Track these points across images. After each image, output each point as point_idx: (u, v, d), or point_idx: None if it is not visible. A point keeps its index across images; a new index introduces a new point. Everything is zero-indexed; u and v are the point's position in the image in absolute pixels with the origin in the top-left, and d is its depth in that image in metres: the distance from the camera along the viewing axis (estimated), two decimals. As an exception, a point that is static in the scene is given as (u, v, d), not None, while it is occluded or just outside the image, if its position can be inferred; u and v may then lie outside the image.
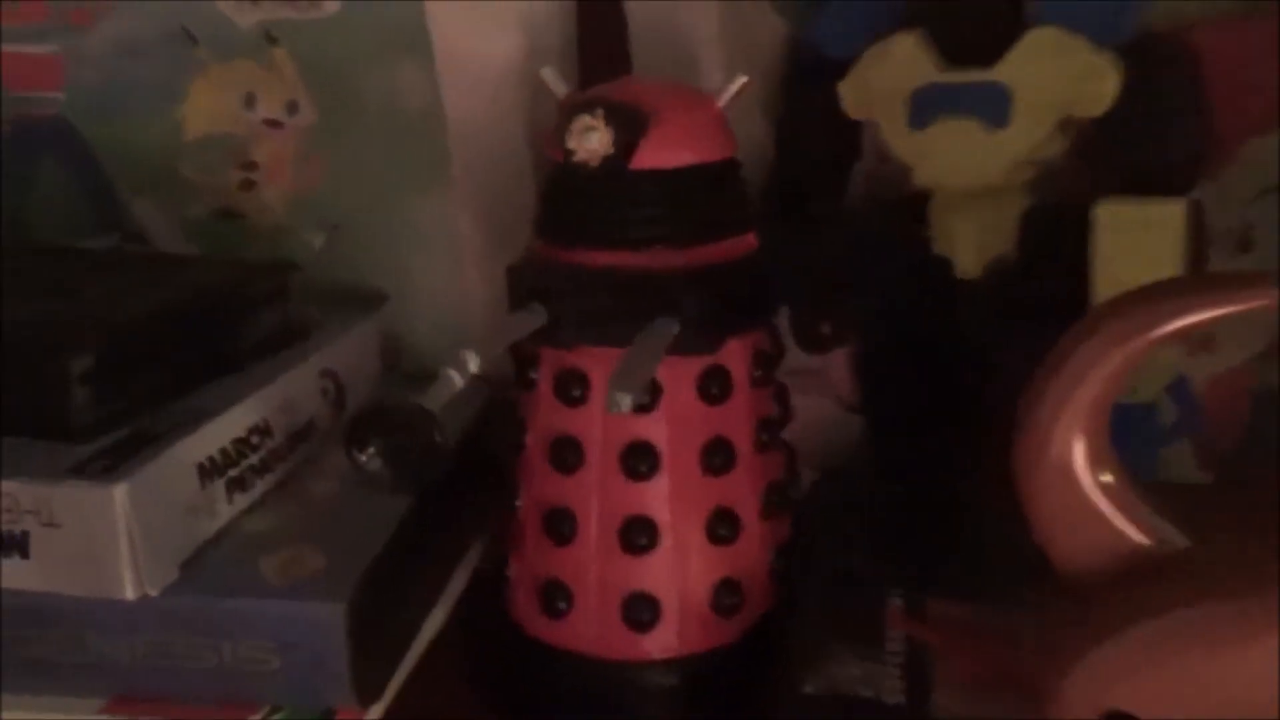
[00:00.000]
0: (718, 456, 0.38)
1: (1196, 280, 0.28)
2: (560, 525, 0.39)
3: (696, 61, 0.46)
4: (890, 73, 0.39)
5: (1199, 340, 0.46)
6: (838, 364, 0.47)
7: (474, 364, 0.33)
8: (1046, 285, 0.39)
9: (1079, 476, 0.29)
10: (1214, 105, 0.41)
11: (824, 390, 0.48)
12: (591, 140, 0.34)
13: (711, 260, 0.38)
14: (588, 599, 0.39)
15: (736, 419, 0.39)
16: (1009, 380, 0.41)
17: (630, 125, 0.34)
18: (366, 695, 0.35)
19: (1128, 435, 0.38)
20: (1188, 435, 0.40)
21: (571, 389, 0.38)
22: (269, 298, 0.43)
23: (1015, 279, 0.40)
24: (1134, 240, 0.36)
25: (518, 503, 0.40)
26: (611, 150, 0.34)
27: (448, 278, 0.50)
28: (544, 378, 0.39)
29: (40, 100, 0.51)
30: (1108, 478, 0.29)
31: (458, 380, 0.33)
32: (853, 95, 0.41)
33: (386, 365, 0.49)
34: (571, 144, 0.34)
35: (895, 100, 0.39)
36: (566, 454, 0.38)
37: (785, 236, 0.44)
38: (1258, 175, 0.43)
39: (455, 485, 0.41)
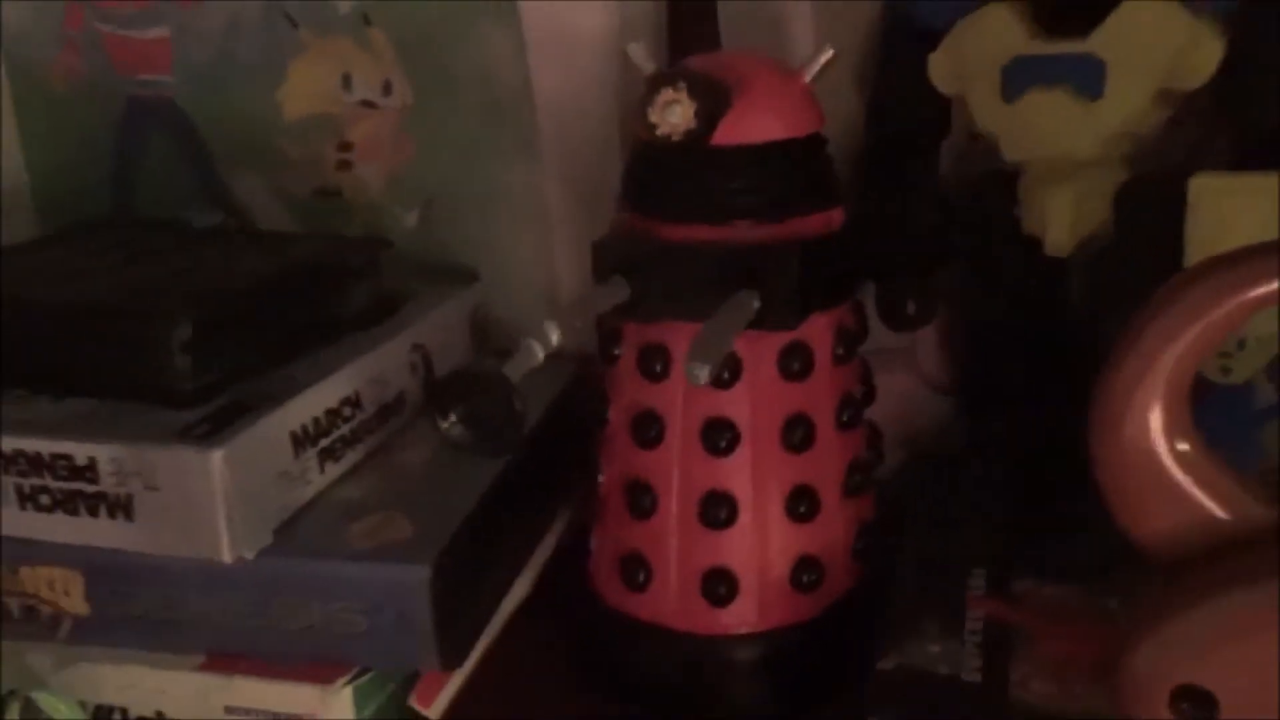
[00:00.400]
0: (798, 433, 0.38)
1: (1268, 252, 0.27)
2: (641, 499, 0.39)
3: (788, 36, 0.46)
4: (983, 44, 0.38)
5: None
6: (926, 343, 0.46)
7: (556, 335, 0.34)
8: (1143, 263, 0.37)
9: (1155, 447, 0.28)
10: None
11: (911, 369, 0.48)
12: (674, 114, 0.34)
13: (795, 235, 0.37)
14: (667, 572, 0.39)
15: (817, 396, 0.39)
16: (1105, 360, 0.40)
17: (713, 99, 0.34)
18: (450, 659, 0.36)
19: (1223, 418, 0.38)
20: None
21: (654, 363, 0.38)
22: (362, 273, 0.44)
23: (1110, 256, 0.39)
24: (1228, 213, 0.35)
25: (601, 476, 0.41)
26: (694, 124, 0.34)
27: (537, 252, 0.51)
28: (627, 352, 0.40)
29: (151, 83, 0.53)
30: (1185, 447, 0.28)
31: (539, 351, 0.33)
32: (944, 69, 0.40)
33: (478, 340, 0.50)
34: (654, 118, 0.34)
35: (988, 72, 0.38)
36: (648, 428, 0.39)
37: (874, 211, 0.44)
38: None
39: (541, 457, 0.42)
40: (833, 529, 0.40)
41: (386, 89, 0.50)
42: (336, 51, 0.51)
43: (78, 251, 0.45)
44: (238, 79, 0.52)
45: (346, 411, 0.39)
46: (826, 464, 0.39)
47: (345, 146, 0.52)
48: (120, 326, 0.37)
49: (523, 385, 0.34)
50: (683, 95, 0.34)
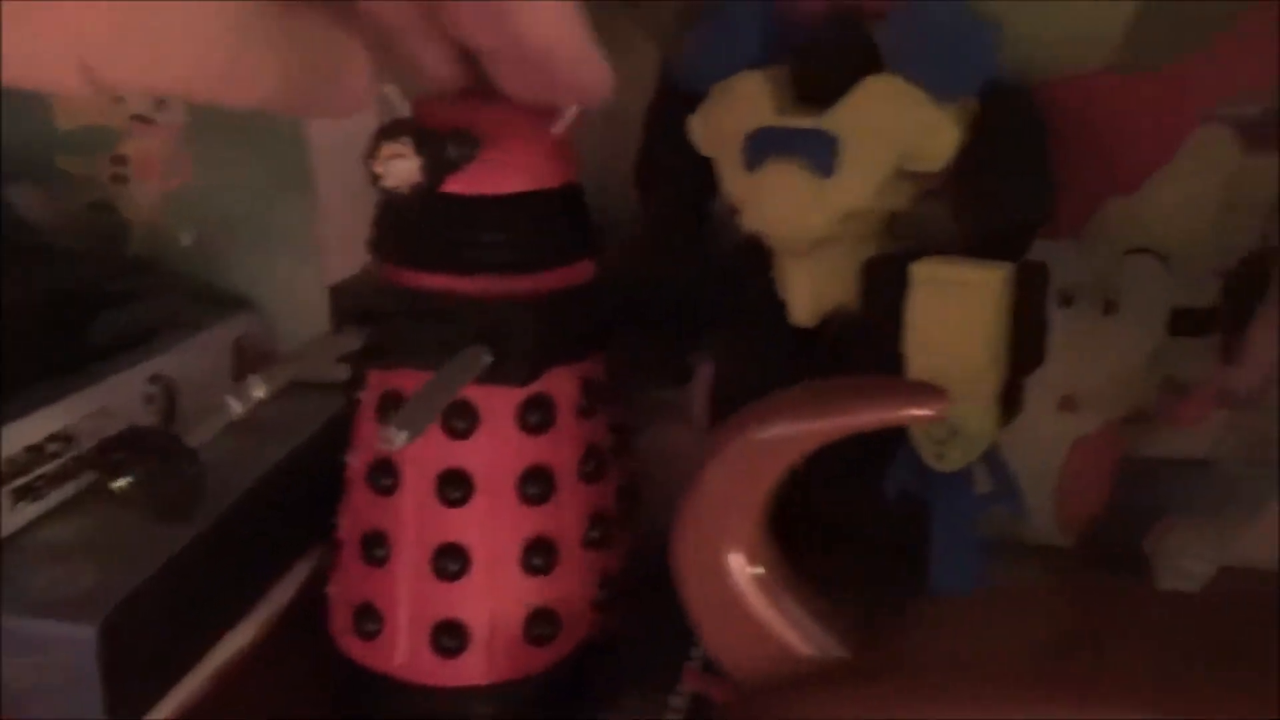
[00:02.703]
0: (535, 486, 0.38)
1: (854, 388, 0.27)
2: (375, 548, 0.38)
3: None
4: (732, 110, 0.38)
5: (1064, 402, 0.46)
6: (699, 394, 0.47)
7: (260, 391, 0.33)
8: (884, 338, 0.38)
9: (732, 576, 0.28)
10: (1073, 162, 0.41)
11: (683, 419, 0.48)
12: (399, 168, 0.33)
13: (539, 289, 0.37)
14: (397, 623, 0.38)
15: (559, 448, 0.39)
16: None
17: (443, 152, 0.34)
18: (122, 717, 0.34)
19: (946, 501, 0.39)
20: (1004, 503, 0.40)
21: (391, 412, 0.38)
22: (114, 298, 0.43)
23: (854, 329, 0.40)
24: (948, 303, 0.35)
25: (340, 521, 0.40)
26: (421, 178, 0.33)
27: (311, 285, 0.50)
28: (368, 398, 0.39)
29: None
30: (762, 573, 0.28)
31: (236, 409, 0.33)
32: (702, 131, 0.40)
33: (241, 372, 0.49)
34: (378, 169, 0.33)
35: (734, 140, 0.38)
36: (384, 476, 0.38)
37: (636, 268, 0.44)
38: (1122, 234, 0.42)
39: (282, 498, 0.41)
40: (571, 581, 0.39)
41: (161, 105, 0.49)
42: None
43: None
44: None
45: (53, 448, 0.38)
46: (567, 516, 0.39)
47: (120, 160, 0.50)
48: None
49: (284, 414, 0.33)
50: (409, 150, 0.33)
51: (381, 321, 0.37)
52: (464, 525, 0.38)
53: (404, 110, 0.38)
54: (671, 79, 0.41)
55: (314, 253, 0.50)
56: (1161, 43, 0.37)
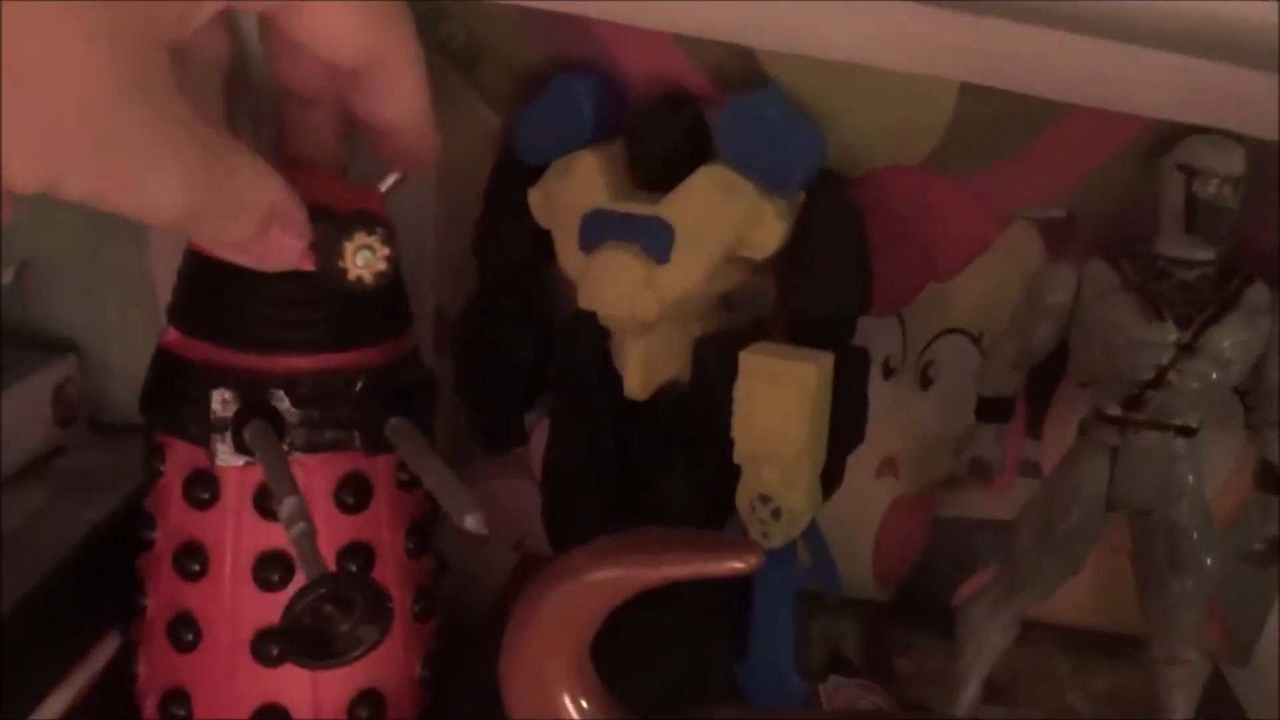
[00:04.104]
0: (355, 563, 0.37)
1: (677, 540, 0.28)
2: (184, 632, 0.37)
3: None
4: (570, 189, 0.39)
5: (884, 465, 0.48)
6: (539, 448, 0.47)
7: None
8: (712, 415, 0.39)
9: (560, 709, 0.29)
10: (898, 247, 0.43)
11: (524, 474, 0.48)
12: (368, 259, 0.33)
13: (343, 365, 0.36)
14: (213, 710, 0.37)
15: (378, 524, 0.38)
16: (667, 504, 0.42)
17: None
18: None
19: (771, 574, 0.40)
20: (822, 579, 0.41)
21: (201, 491, 0.37)
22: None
23: (683, 404, 0.41)
24: (769, 390, 0.36)
25: (145, 601, 0.39)
26: (387, 267, 0.34)
27: (141, 332, 0.48)
28: (172, 471, 0.37)
29: None
30: (587, 706, 0.29)
31: None
32: (539, 204, 0.40)
33: (63, 416, 0.47)
34: (348, 262, 0.33)
35: (570, 218, 0.38)
36: (193, 559, 0.37)
37: (473, 331, 0.44)
38: (937, 317, 0.45)
39: (80, 576, 0.39)
40: (396, 659, 0.39)
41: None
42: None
43: None
44: None
45: None
46: (392, 593, 0.39)
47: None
48: None
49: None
50: (378, 240, 0.33)
51: (179, 396, 0.36)
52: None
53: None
54: (511, 148, 0.41)
55: (147, 294, 0.48)
56: (975, 146, 0.39)
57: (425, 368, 0.40)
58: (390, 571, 0.39)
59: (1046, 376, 0.44)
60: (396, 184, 0.36)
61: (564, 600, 0.28)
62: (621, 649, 0.40)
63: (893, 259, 0.42)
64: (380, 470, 0.38)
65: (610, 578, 0.28)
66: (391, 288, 0.37)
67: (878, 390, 0.45)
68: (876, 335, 0.45)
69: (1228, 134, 0.35)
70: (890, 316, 0.45)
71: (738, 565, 0.26)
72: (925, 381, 0.46)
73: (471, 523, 0.31)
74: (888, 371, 0.46)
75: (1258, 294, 0.36)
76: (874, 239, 0.40)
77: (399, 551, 0.39)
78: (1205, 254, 0.36)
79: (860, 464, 0.47)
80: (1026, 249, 0.42)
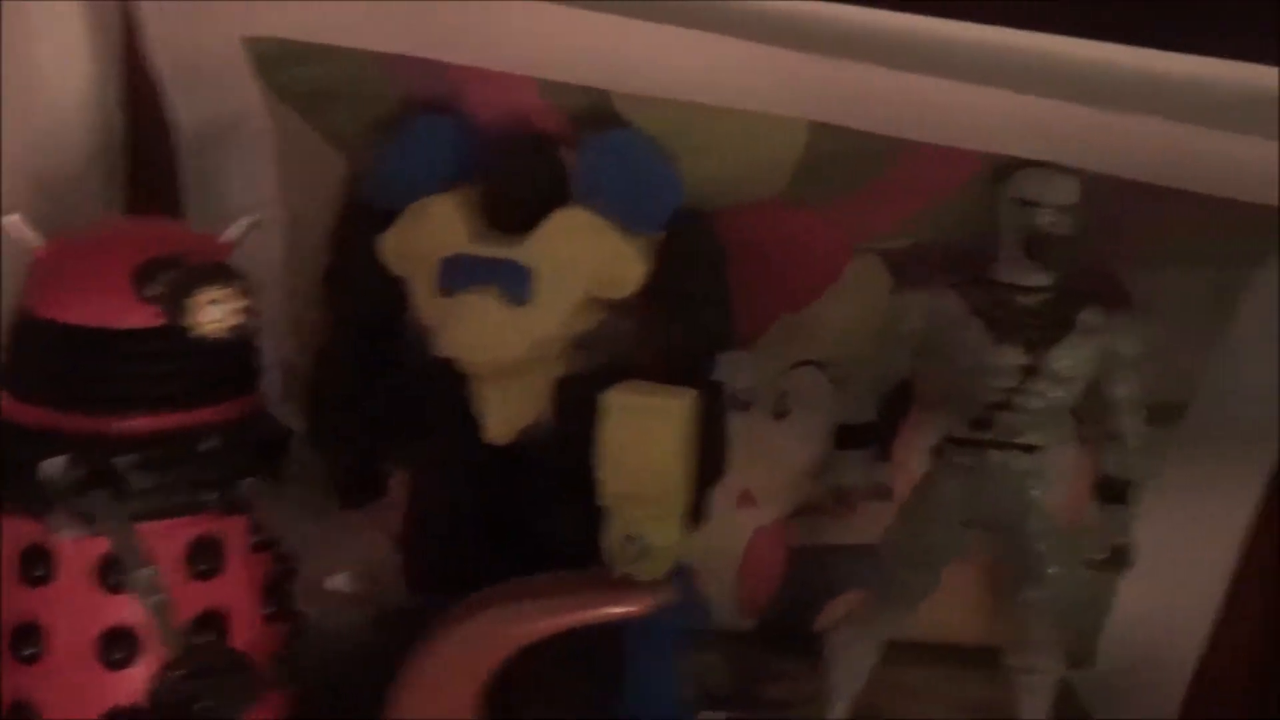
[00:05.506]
0: (210, 632, 0.35)
1: (567, 585, 0.28)
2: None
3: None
4: (426, 234, 0.38)
5: (743, 496, 0.49)
6: (396, 503, 0.45)
7: None
8: (576, 457, 0.38)
9: None
10: (750, 280, 0.43)
11: (382, 528, 0.47)
12: (219, 313, 0.31)
13: (191, 424, 0.35)
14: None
15: (232, 590, 0.36)
16: (540, 548, 0.41)
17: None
18: None
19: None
20: (691, 617, 0.42)
21: (35, 567, 0.34)
22: None
23: (547, 446, 0.40)
24: (637, 429, 0.36)
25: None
26: (244, 319, 0.32)
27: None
28: (8, 549, 0.34)
29: None
30: None
31: None
32: (393, 250, 0.39)
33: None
34: (196, 318, 0.31)
35: (427, 264, 0.38)
36: (26, 644, 0.34)
37: (324, 382, 0.42)
38: (792, 348, 0.45)
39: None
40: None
41: None
42: None
43: None
44: None
45: None
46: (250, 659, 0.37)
47: None
48: None
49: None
50: (230, 293, 0.31)
51: (12, 466, 0.33)
52: (132, 689, 0.34)
53: (34, 241, 0.35)
54: (361, 193, 0.40)
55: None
56: (824, 181, 0.40)
57: (281, 423, 0.38)
58: (247, 637, 0.37)
59: (896, 401, 0.46)
60: (246, 232, 0.35)
61: (455, 651, 0.28)
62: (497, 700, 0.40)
63: (746, 292, 0.43)
64: (233, 533, 0.36)
65: (505, 628, 0.27)
66: (244, 341, 0.35)
67: (734, 423, 0.46)
68: (730, 369, 0.45)
69: (1060, 167, 0.38)
70: (744, 351, 0.46)
71: (633, 608, 0.26)
72: (779, 413, 0.47)
73: (334, 582, 0.30)
74: (743, 405, 0.47)
75: (1093, 316, 0.39)
76: (730, 273, 0.41)
77: (255, 616, 0.37)
78: (1044, 279, 0.38)
79: (721, 499, 0.47)
80: (874, 279, 0.43)
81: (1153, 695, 0.51)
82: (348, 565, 0.30)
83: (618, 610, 0.26)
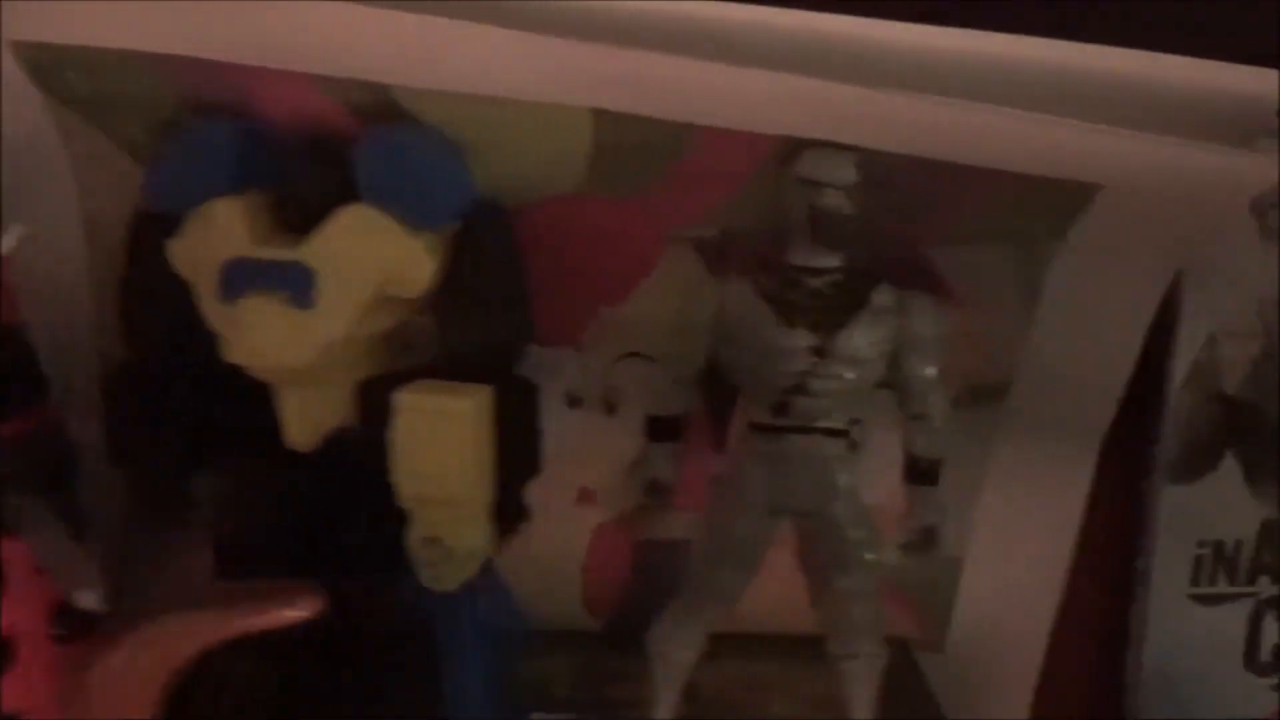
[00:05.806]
0: (-7, 662, 0.34)
1: (230, 596, 0.28)
2: None
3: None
4: (209, 239, 0.37)
5: (583, 494, 0.48)
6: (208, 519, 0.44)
7: None
8: (378, 460, 0.38)
9: None
10: (566, 275, 0.43)
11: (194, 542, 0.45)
12: None
13: None
14: None
15: (15, 613, 0.35)
16: (350, 554, 0.40)
17: None
18: None
19: (444, 623, 0.39)
20: (502, 619, 0.41)
21: None
22: None
23: (351, 450, 0.39)
24: (431, 428, 0.36)
25: None
26: None
27: None
28: None
29: None
30: None
31: None
32: (182, 257, 0.38)
33: None
34: None
35: (210, 269, 0.37)
36: None
37: (120, 393, 0.41)
38: (616, 341, 0.45)
39: None
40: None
41: None
42: None
43: None
44: None
45: None
46: (37, 686, 0.36)
47: None
48: None
49: None
50: None
51: None
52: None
53: None
54: (146, 200, 0.39)
55: None
56: (621, 170, 0.40)
57: (64, 441, 0.37)
58: (35, 662, 0.35)
59: (725, 392, 0.45)
60: (16, 244, 0.34)
61: (117, 667, 0.27)
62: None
63: (562, 288, 0.42)
64: (12, 555, 0.35)
65: (163, 639, 0.27)
66: (14, 357, 0.34)
67: (566, 421, 0.45)
68: (557, 367, 0.45)
69: (843, 146, 0.37)
70: (569, 347, 0.45)
71: (295, 614, 0.26)
72: (609, 408, 0.46)
73: (84, 599, 0.29)
74: (573, 401, 0.46)
75: (884, 295, 0.38)
76: (541, 269, 0.41)
77: (40, 640, 0.36)
78: (831, 261, 0.38)
79: (558, 495, 0.47)
80: (687, 269, 0.43)
81: (1005, 678, 0.51)
82: (95, 582, 0.29)
83: (284, 616, 0.26)
